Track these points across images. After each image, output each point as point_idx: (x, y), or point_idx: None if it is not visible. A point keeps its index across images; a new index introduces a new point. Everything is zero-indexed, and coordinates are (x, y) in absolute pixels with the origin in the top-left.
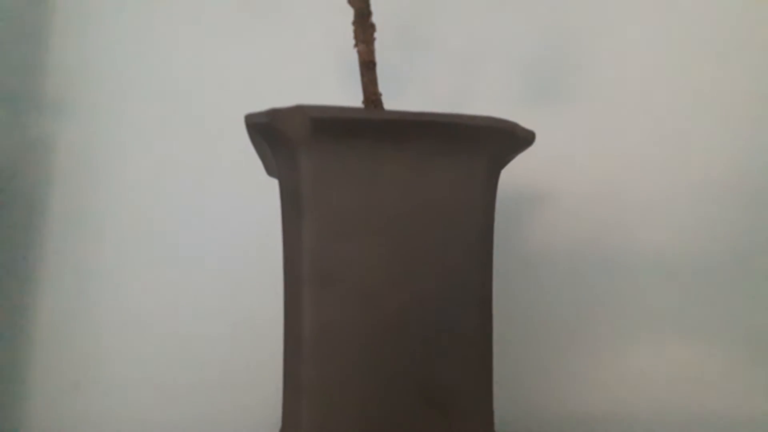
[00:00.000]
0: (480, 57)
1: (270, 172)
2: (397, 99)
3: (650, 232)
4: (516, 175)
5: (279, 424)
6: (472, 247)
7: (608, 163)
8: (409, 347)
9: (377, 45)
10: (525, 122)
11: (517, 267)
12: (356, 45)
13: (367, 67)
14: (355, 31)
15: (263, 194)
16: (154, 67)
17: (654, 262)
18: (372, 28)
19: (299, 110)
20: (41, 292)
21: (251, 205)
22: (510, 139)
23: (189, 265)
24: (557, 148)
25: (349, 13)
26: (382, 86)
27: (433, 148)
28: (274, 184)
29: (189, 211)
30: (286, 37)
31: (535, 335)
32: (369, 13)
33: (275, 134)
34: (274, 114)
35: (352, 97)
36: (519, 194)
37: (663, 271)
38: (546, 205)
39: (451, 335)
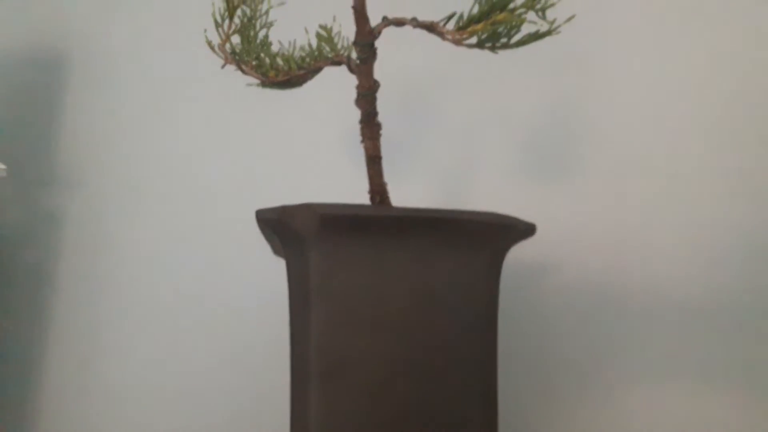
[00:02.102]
0: (483, 127)
1: (276, 252)
2: (402, 169)
3: (655, 282)
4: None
5: None
6: (477, 338)
7: (610, 226)
8: None
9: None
10: (526, 191)
11: (525, 321)
12: (363, 141)
13: (373, 161)
14: (362, 129)
15: (268, 272)
16: (160, 145)
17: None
18: (378, 126)
19: (308, 208)
20: (47, 361)
21: (256, 282)
22: (511, 233)
23: (191, 341)
24: (559, 213)
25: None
26: (387, 155)
27: (437, 242)
28: (278, 263)
29: (192, 287)
30: (293, 120)
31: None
32: (375, 114)
33: (285, 230)
34: (284, 211)
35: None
36: (526, 255)
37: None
38: (551, 266)
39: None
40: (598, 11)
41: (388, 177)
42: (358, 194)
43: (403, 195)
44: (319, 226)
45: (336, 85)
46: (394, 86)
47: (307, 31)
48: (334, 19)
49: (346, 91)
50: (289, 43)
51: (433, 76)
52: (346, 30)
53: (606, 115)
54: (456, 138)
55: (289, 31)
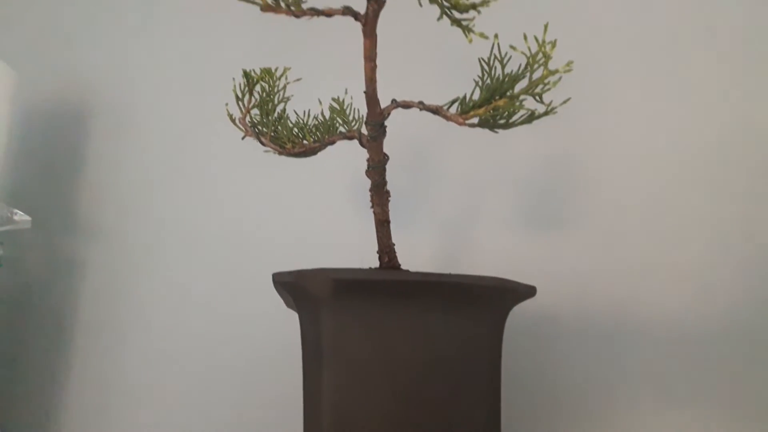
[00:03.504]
0: (483, 181)
1: (288, 305)
2: (407, 220)
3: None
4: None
5: None
6: (481, 396)
7: (608, 274)
8: None
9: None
10: (526, 241)
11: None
12: (373, 207)
13: (382, 224)
14: (372, 197)
15: (283, 324)
16: (179, 196)
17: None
18: (387, 194)
19: (322, 273)
20: (67, 406)
21: (272, 331)
22: (513, 296)
23: (209, 388)
24: (558, 263)
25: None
26: (394, 207)
27: (442, 304)
28: (291, 315)
29: (210, 334)
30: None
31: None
32: (384, 183)
33: (300, 292)
34: (299, 275)
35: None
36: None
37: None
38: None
39: None
40: (593, 70)
41: (392, 225)
42: (366, 241)
43: (408, 245)
44: (333, 290)
45: (348, 149)
46: (398, 141)
47: (320, 102)
48: (346, 92)
49: (358, 154)
50: (304, 112)
51: (435, 132)
52: (357, 101)
53: (602, 167)
54: (457, 191)
55: (304, 100)
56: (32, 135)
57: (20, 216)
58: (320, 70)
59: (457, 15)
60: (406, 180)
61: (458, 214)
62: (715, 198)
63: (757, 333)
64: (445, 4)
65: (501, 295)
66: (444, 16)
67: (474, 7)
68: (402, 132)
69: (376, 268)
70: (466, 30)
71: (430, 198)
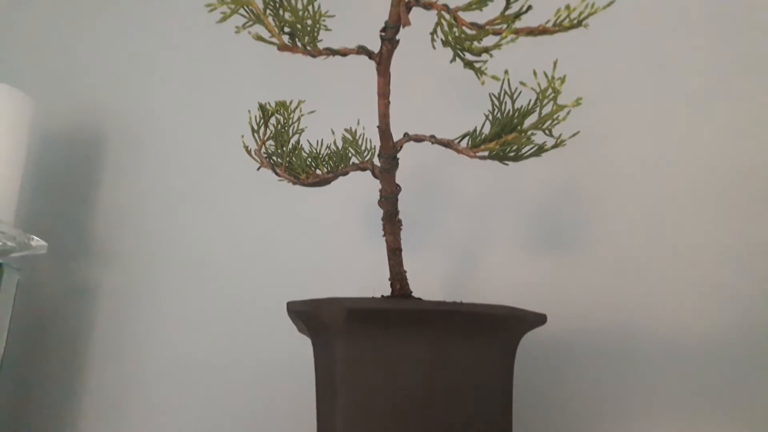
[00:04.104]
0: (494, 207)
1: (300, 330)
2: (417, 244)
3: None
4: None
5: None
6: (493, 424)
7: (617, 298)
8: None
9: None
10: (534, 268)
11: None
12: (385, 235)
13: (394, 252)
14: (385, 226)
15: (296, 352)
16: (189, 223)
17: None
18: (399, 223)
19: (336, 302)
20: (80, 430)
21: (284, 359)
22: (523, 324)
23: (221, 415)
24: (568, 286)
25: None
26: (405, 233)
27: (453, 333)
28: (303, 340)
29: (220, 360)
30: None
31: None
32: (396, 213)
33: (314, 321)
34: (313, 304)
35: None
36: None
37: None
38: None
39: None
40: (604, 95)
41: (403, 249)
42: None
43: (420, 269)
44: (346, 319)
45: (361, 177)
46: (410, 165)
47: (333, 133)
48: (358, 123)
49: (371, 183)
50: (317, 142)
51: (447, 156)
52: (369, 130)
53: (610, 195)
54: (469, 215)
55: (317, 129)
56: (48, 161)
57: (37, 241)
58: (334, 100)
59: (469, 57)
60: (418, 205)
61: (468, 237)
62: (722, 225)
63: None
64: (458, 46)
65: (512, 324)
66: (457, 58)
67: (486, 50)
68: (414, 158)
69: (388, 296)
70: (479, 72)
71: (439, 223)
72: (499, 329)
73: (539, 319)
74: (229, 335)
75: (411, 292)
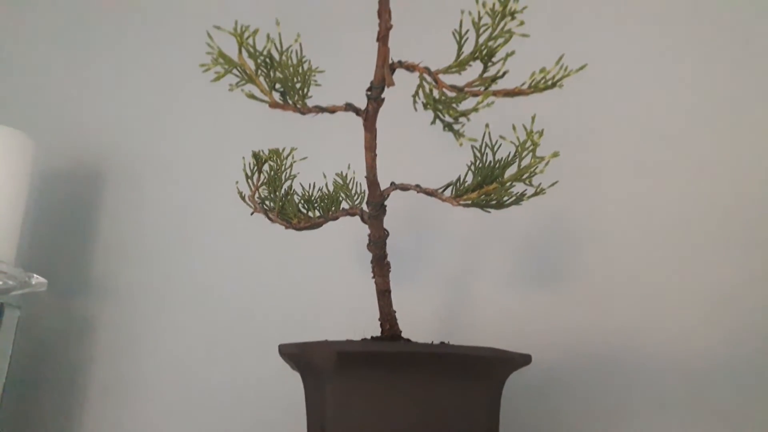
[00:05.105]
0: (483, 239)
1: (293, 368)
2: (407, 278)
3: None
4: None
5: None
6: None
7: (606, 331)
8: None
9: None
10: (522, 298)
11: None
12: (374, 277)
13: (383, 294)
14: (374, 268)
15: (284, 389)
16: (186, 260)
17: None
18: (387, 265)
19: (326, 345)
20: None
21: (273, 397)
22: (509, 365)
23: None
24: (557, 319)
25: None
26: (396, 266)
27: (441, 374)
28: (295, 378)
29: (218, 393)
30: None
31: None
32: (385, 256)
33: (305, 364)
34: (305, 347)
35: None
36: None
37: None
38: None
39: None
40: (590, 132)
41: (395, 283)
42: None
43: (409, 302)
44: (336, 362)
45: (350, 221)
46: (400, 201)
47: (324, 176)
48: (348, 167)
49: (360, 226)
50: (309, 185)
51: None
52: (359, 174)
53: (598, 227)
54: (457, 249)
55: (309, 173)
56: (49, 199)
57: (37, 279)
58: (325, 145)
59: (449, 119)
60: (409, 236)
61: (457, 270)
62: (708, 257)
63: (762, 390)
64: (438, 108)
65: (497, 365)
66: (437, 120)
67: (464, 114)
68: (403, 196)
69: (377, 337)
70: (457, 134)
71: (428, 256)
72: (485, 370)
73: (524, 360)
74: (224, 371)
75: (400, 332)
